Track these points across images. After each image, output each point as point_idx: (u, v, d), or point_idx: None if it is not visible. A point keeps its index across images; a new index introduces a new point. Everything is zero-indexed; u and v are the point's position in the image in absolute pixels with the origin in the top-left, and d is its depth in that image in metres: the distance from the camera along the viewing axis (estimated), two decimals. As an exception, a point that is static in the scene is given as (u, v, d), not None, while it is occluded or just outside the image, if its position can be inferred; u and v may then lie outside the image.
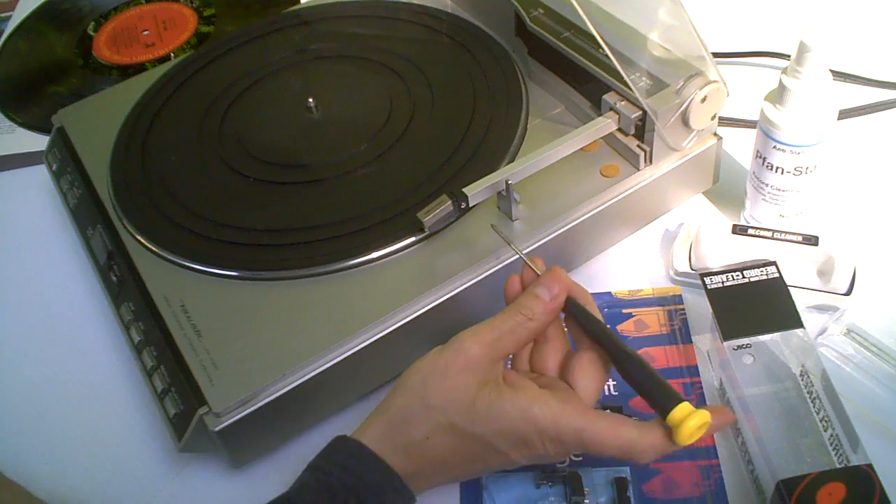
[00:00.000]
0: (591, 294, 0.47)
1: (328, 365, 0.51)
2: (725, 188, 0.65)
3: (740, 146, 0.68)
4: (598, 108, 0.61)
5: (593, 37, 0.61)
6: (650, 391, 0.42)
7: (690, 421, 0.40)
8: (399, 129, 0.64)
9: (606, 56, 0.60)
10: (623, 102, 0.58)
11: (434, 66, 0.69)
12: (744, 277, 0.53)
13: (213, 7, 0.94)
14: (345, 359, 0.52)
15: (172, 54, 0.88)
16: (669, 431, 0.41)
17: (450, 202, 0.54)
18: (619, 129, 0.60)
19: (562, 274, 0.46)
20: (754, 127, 0.58)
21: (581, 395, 0.44)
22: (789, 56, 0.53)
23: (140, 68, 0.86)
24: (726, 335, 0.50)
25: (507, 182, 0.55)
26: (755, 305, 0.51)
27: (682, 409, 0.40)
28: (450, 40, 0.72)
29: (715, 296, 0.52)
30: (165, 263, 0.58)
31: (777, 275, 0.53)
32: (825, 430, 0.47)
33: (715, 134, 0.61)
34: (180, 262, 0.57)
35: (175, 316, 0.55)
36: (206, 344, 0.52)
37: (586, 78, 0.62)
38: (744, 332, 0.50)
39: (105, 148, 0.68)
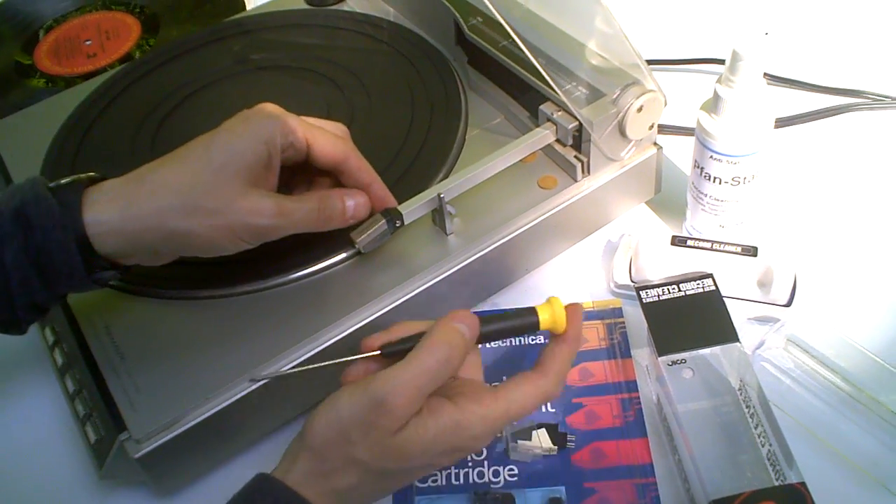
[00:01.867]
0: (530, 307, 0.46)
1: (254, 387, 0.50)
2: (668, 197, 0.64)
3: (683, 154, 0.67)
4: (537, 118, 0.60)
5: (533, 46, 0.61)
6: (514, 325, 0.44)
7: (554, 312, 0.44)
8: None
9: (545, 66, 0.59)
10: (560, 113, 0.57)
11: (373, 75, 0.68)
12: (680, 291, 0.52)
13: (158, 16, 0.92)
14: (272, 381, 0.50)
15: (111, 66, 0.86)
16: (542, 367, 0.43)
17: (384, 221, 0.53)
18: (557, 140, 0.59)
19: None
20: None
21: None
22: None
23: (87, 78, 0.84)
24: (661, 350, 0.49)
25: (440, 196, 0.54)
26: (691, 319, 0.51)
27: (542, 312, 0.44)
28: (390, 49, 0.71)
29: (651, 310, 0.51)
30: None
31: (713, 287, 0.52)
32: (763, 446, 0.47)
33: (655, 143, 0.60)
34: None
35: (98, 338, 0.53)
36: (129, 367, 0.51)
37: (524, 88, 0.60)
38: (679, 346, 0.49)
39: (35, 163, 0.66)
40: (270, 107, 0.49)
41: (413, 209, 0.54)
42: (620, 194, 0.61)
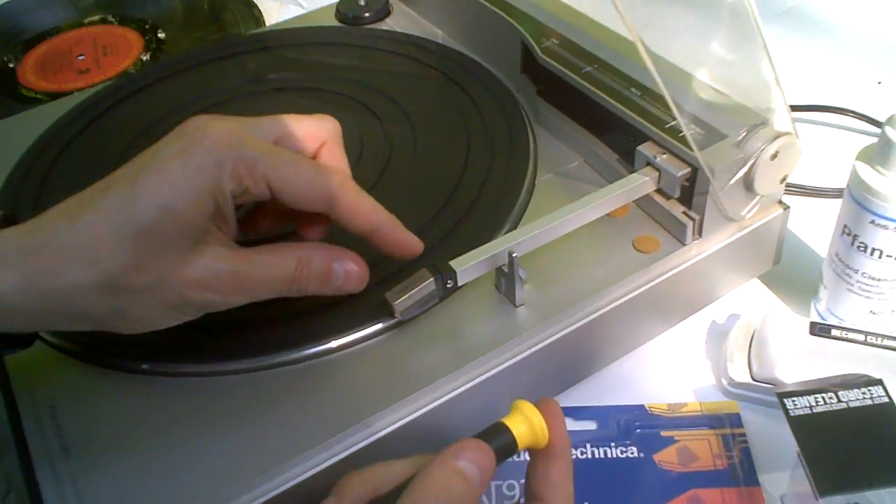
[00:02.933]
0: (619, 406, 0.32)
1: (246, 508, 0.35)
2: (787, 271, 0.50)
3: (804, 219, 0.54)
4: (630, 161, 0.46)
5: (623, 74, 0.48)
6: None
7: (530, 422, 0.32)
8: (369, 178, 0.49)
9: (643, 96, 0.46)
10: (665, 156, 0.44)
11: (419, 104, 0.55)
12: (840, 401, 0.38)
13: (164, 31, 0.80)
14: (271, 499, 0.36)
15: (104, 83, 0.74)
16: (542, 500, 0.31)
17: (431, 279, 0.40)
18: (659, 191, 0.45)
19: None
20: (817, 196, 0.44)
21: None
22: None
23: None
24: (824, 488, 0.35)
25: (510, 255, 0.40)
26: (860, 442, 0.36)
27: (515, 425, 0.31)
28: (439, 75, 0.58)
29: (802, 427, 0.37)
30: (40, 347, 0.42)
31: (885, 398, 0.38)
32: None
33: (780, 202, 0.47)
34: (59, 345, 0.42)
35: (39, 421, 0.39)
36: (74, 467, 0.37)
37: (614, 124, 0.47)
38: (850, 483, 0.35)
39: (-9, 188, 0.53)
40: (216, 127, 0.34)
41: (470, 267, 0.40)
42: (734, 264, 0.47)
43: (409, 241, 0.39)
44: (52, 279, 0.33)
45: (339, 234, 0.38)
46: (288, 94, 0.58)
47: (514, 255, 0.40)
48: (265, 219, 0.40)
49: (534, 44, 0.52)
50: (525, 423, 0.32)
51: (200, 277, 0.34)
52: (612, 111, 0.47)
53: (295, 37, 0.64)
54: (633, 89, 0.47)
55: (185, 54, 0.64)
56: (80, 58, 0.78)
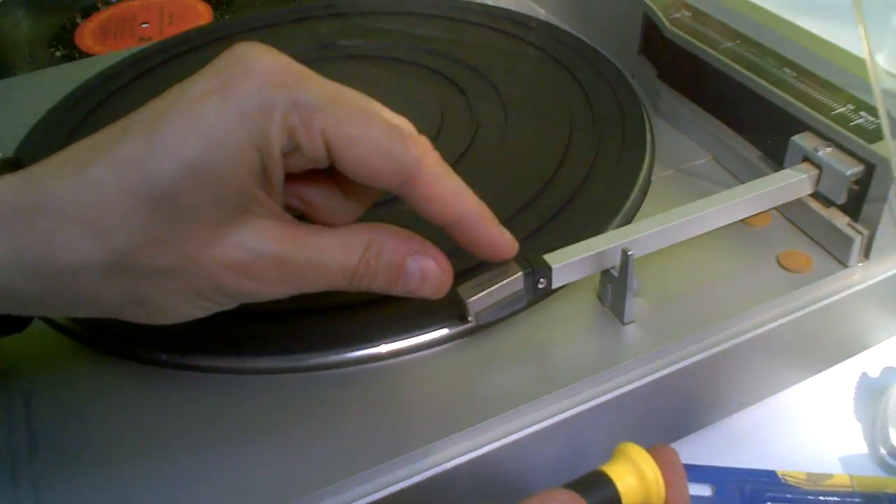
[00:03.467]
0: (744, 470, 0.25)
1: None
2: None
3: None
4: (776, 159, 0.37)
5: (773, 52, 0.38)
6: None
7: (641, 471, 0.24)
8: (448, 157, 0.40)
9: (800, 78, 0.37)
10: (830, 149, 0.34)
11: (512, 81, 0.46)
12: None
13: (237, 5, 0.74)
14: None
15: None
16: None
17: (520, 274, 0.30)
18: (815, 195, 0.35)
19: None
20: None
21: None
22: None
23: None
24: None
25: (625, 253, 0.31)
26: None
27: (621, 475, 0.24)
28: (539, 53, 0.49)
29: None
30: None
31: None
32: None
33: (969, 225, 0.37)
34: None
35: (8, 409, 0.31)
36: (37, 472, 0.28)
37: (759, 112, 0.38)
38: None
39: (17, 134, 0.46)
40: (268, 59, 0.25)
41: (570, 265, 0.31)
42: (902, 301, 0.37)
43: (501, 240, 0.29)
44: (47, 254, 0.24)
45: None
46: (363, 63, 0.50)
47: (630, 253, 0.31)
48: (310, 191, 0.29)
49: (661, 15, 0.43)
50: (634, 475, 0.24)
51: (238, 260, 0.25)
52: (758, 94, 0.37)
53: (376, 4, 0.57)
54: (786, 69, 0.38)
55: (255, 14, 0.57)
56: (144, 25, 0.72)
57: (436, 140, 0.42)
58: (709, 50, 0.40)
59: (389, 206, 0.32)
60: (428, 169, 0.27)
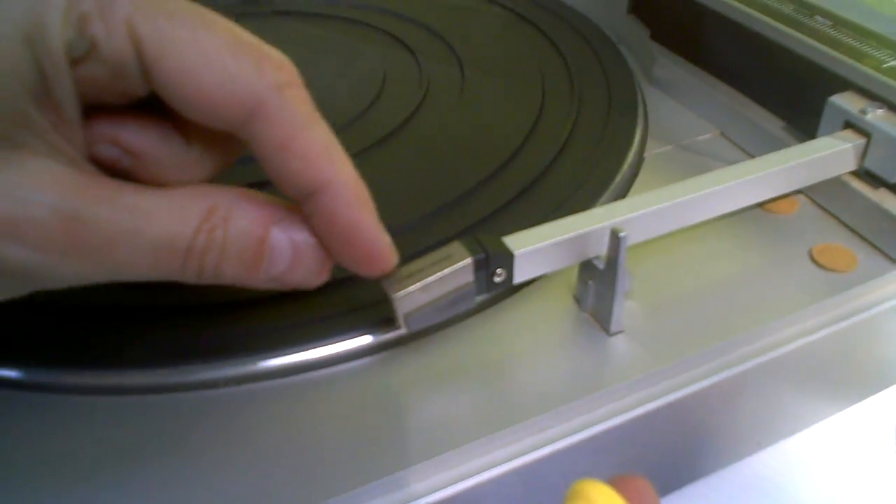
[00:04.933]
0: None
1: None
2: None
3: None
4: (806, 130, 0.29)
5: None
6: None
7: None
8: (391, 121, 0.32)
9: (835, 26, 0.29)
10: (882, 111, 0.26)
11: (472, 43, 0.38)
12: None
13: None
14: None
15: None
16: None
17: (470, 261, 0.22)
18: (858, 173, 0.27)
19: None
20: None
21: None
22: None
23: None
24: None
25: (615, 235, 0.22)
26: None
27: None
28: (505, 12, 0.41)
29: None
30: None
31: None
32: None
33: None
34: None
35: None
36: None
37: (782, 70, 0.30)
38: None
39: None
40: None
41: (538, 251, 0.23)
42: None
43: (375, 237, 0.20)
44: None
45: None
46: (293, 21, 0.41)
47: (622, 235, 0.22)
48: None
49: (655, -39, 0.35)
50: None
51: (5, 214, 0.16)
52: (784, 47, 0.29)
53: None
54: (818, 17, 0.30)
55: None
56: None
57: (375, 103, 0.33)
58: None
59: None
60: (290, 104, 0.18)
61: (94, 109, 0.17)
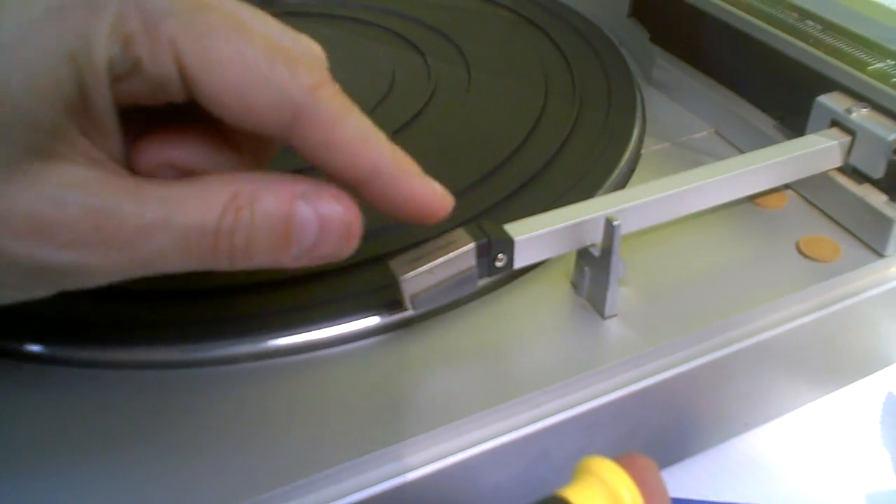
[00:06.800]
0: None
1: None
2: None
3: None
4: (796, 128, 0.30)
5: (792, 3, 0.32)
6: None
7: (612, 490, 0.18)
8: (401, 116, 0.34)
9: (825, 31, 0.30)
10: (867, 111, 0.28)
11: (479, 44, 0.40)
12: None
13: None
14: None
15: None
16: None
17: (472, 246, 0.23)
18: (844, 169, 0.29)
19: None
20: None
21: None
22: None
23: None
24: None
25: (609, 224, 0.24)
26: None
27: (585, 498, 0.18)
28: (512, 15, 0.43)
29: None
30: None
31: None
32: None
33: None
34: None
35: None
36: None
37: (774, 71, 0.31)
38: None
39: None
40: None
41: (537, 237, 0.24)
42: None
43: (429, 193, 0.21)
44: None
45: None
46: (306, 22, 0.43)
47: (616, 224, 0.24)
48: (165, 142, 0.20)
49: (655, -34, 0.37)
50: (605, 498, 0.18)
51: (32, 212, 0.17)
52: (775, 50, 0.31)
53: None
54: (809, 22, 0.31)
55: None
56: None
57: (382, 102, 0.35)
58: (715, 0, 0.33)
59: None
60: (325, 104, 0.19)
61: (145, 129, 0.19)
